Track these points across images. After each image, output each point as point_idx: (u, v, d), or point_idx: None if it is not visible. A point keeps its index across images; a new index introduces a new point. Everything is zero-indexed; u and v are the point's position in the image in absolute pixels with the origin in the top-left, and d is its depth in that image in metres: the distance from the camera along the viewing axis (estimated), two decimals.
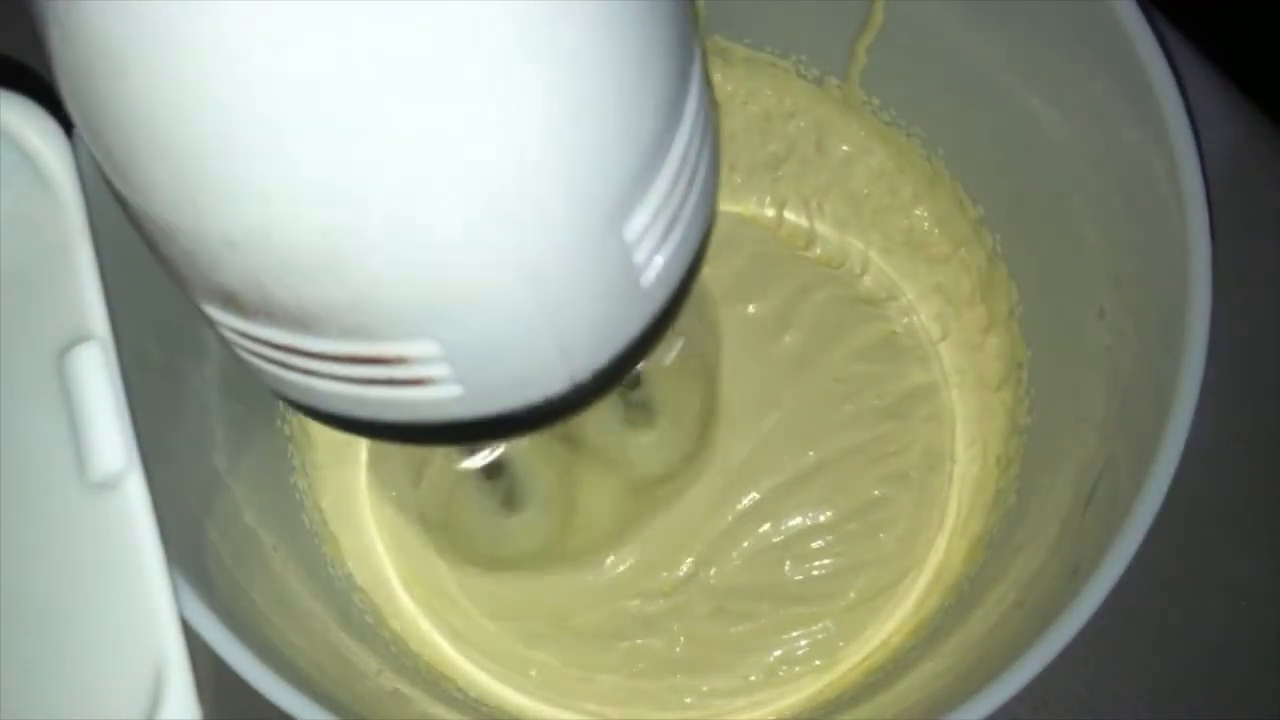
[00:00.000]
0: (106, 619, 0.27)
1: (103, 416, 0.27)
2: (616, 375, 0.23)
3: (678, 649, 0.38)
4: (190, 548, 0.29)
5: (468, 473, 0.34)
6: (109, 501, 0.27)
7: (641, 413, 0.35)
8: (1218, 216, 0.29)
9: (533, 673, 0.38)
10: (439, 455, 0.37)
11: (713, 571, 0.39)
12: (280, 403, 0.39)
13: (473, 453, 0.31)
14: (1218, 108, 0.40)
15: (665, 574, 0.39)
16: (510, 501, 0.36)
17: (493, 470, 0.31)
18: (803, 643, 0.38)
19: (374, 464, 0.40)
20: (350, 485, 0.40)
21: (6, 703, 0.27)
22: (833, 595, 0.39)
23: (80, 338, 0.27)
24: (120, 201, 0.21)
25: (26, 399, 0.28)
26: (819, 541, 0.39)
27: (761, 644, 0.38)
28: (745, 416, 0.40)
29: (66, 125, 0.29)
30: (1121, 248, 0.33)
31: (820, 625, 0.38)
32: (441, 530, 0.38)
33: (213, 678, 0.27)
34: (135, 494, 0.27)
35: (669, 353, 0.33)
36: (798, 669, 0.38)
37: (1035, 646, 0.27)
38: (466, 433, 0.23)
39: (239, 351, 0.23)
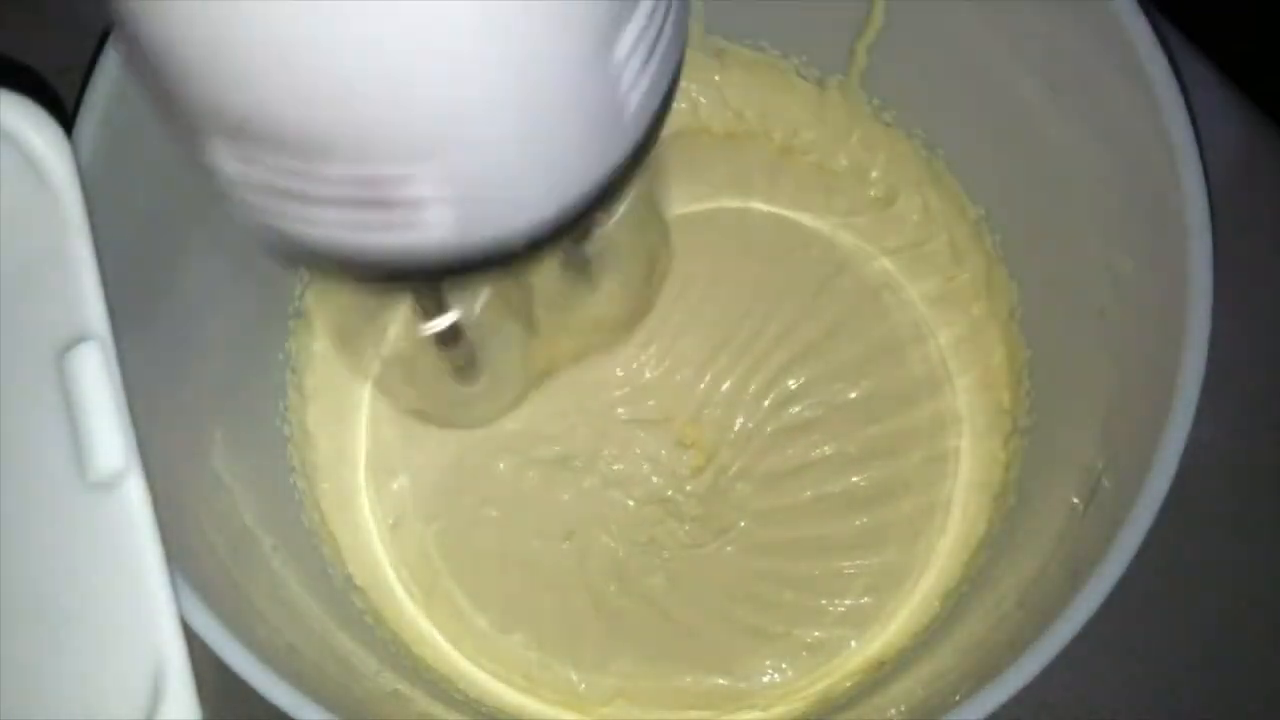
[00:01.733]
0: (106, 619, 0.27)
1: (103, 416, 0.27)
2: (597, 206, 0.23)
3: (678, 651, 0.38)
4: (190, 548, 0.29)
5: (427, 341, 0.35)
6: (109, 501, 0.27)
7: (585, 274, 0.36)
8: (1218, 217, 0.29)
9: (532, 672, 0.38)
10: (401, 323, 0.38)
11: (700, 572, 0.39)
12: (279, 403, 0.39)
13: (431, 317, 0.32)
14: (1219, 108, 0.40)
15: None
16: (465, 371, 0.36)
17: (448, 338, 0.32)
18: (804, 643, 0.38)
19: (373, 464, 0.40)
20: (350, 485, 0.40)
21: (6, 703, 0.27)
22: (833, 596, 0.39)
23: (80, 338, 0.27)
24: (132, 37, 0.21)
25: (26, 399, 0.28)
26: (819, 543, 0.39)
27: (762, 645, 0.38)
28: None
29: (66, 125, 0.29)
30: (1122, 248, 0.33)
31: (821, 626, 0.38)
32: (403, 389, 0.39)
33: (213, 678, 0.27)
34: (135, 494, 0.27)
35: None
36: (799, 669, 0.38)
37: (1035, 647, 0.27)
38: (456, 265, 0.23)
39: (238, 196, 0.23)
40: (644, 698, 0.38)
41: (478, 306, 0.34)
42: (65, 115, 0.29)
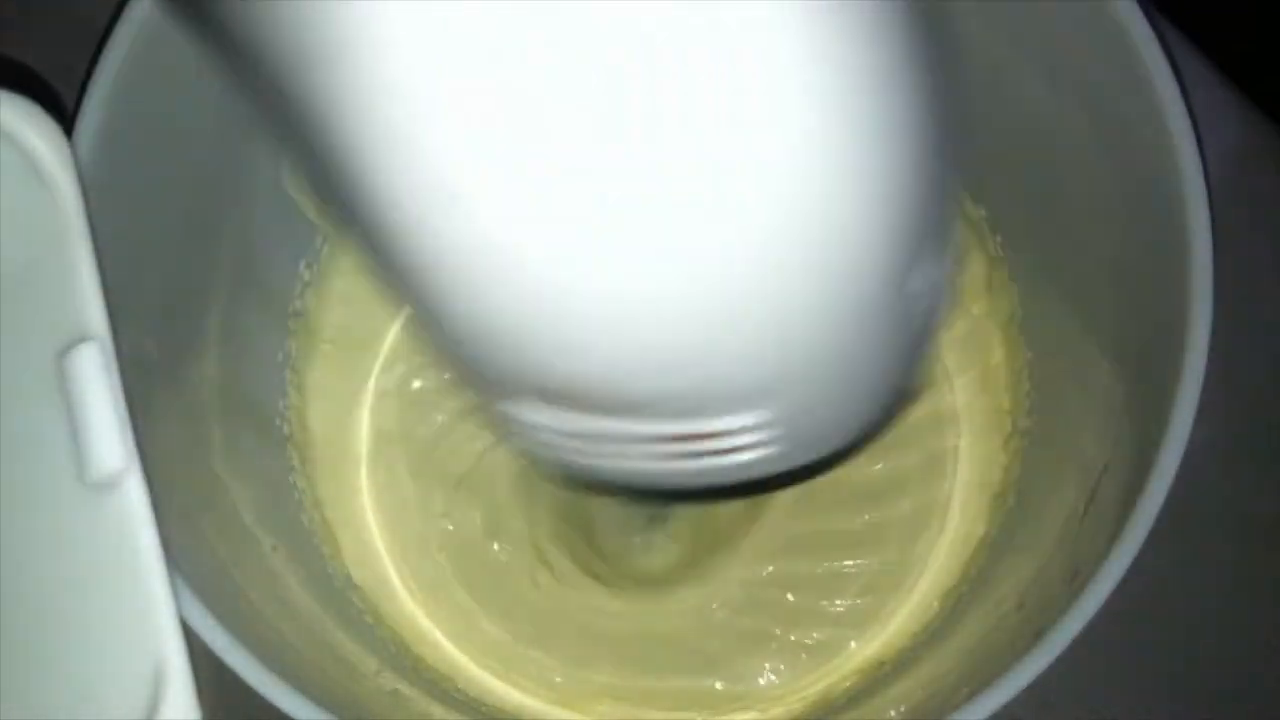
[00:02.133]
0: (106, 619, 0.27)
1: (102, 417, 0.27)
2: (888, 425, 0.25)
3: (678, 650, 0.38)
4: (189, 548, 0.29)
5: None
6: (108, 502, 0.27)
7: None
8: (1218, 217, 0.29)
9: (532, 672, 0.38)
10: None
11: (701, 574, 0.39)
12: (279, 402, 0.39)
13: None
14: (1219, 108, 0.40)
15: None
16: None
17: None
18: (804, 644, 0.38)
19: (373, 464, 0.40)
20: (350, 485, 0.40)
21: (6, 703, 0.27)
22: (832, 597, 0.39)
23: (80, 338, 0.27)
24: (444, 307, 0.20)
25: (26, 399, 0.28)
26: (818, 544, 0.39)
27: (762, 646, 0.38)
28: None
29: (66, 125, 0.29)
30: (1123, 249, 0.33)
31: (820, 627, 0.38)
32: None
33: (212, 678, 0.27)
34: (134, 494, 0.27)
35: None
36: (799, 670, 0.38)
37: (1036, 648, 0.27)
38: (769, 484, 0.23)
39: (533, 442, 0.23)
40: (644, 698, 0.38)
41: None
42: (65, 115, 0.29)
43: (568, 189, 0.17)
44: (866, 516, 0.39)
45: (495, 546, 0.39)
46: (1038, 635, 0.27)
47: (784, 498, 0.39)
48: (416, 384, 0.41)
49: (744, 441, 0.21)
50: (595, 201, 0.17)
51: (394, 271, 0.20)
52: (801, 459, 0.23)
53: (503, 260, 0.18)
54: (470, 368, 0.22)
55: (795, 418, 0.21)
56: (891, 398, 0.24)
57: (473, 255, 0.18)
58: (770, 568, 0.39)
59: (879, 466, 0.40)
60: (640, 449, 0.21)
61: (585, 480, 0.23)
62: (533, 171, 0.17)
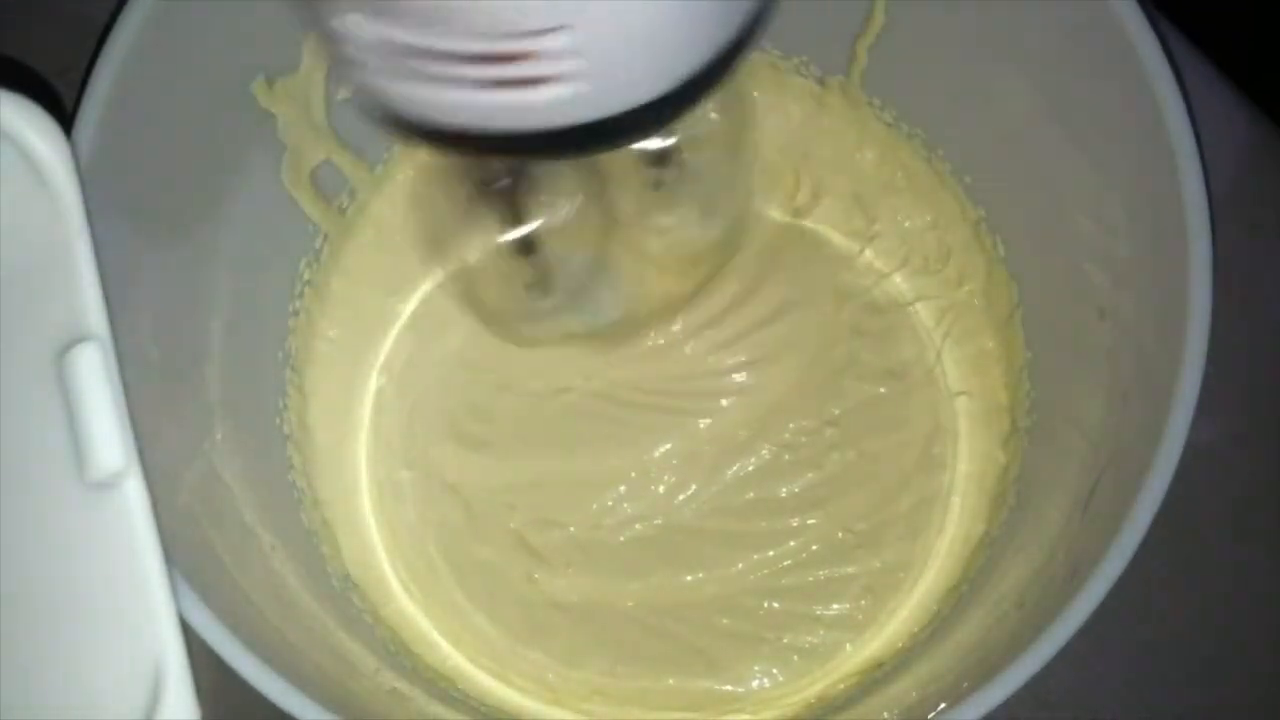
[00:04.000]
0: (106, 619, 0.27)
1: (102, 417, 0.27)
2: (715, 79, 0.23)
3: (677, 650, 0.38)
4: (189, 547, 0.29)
5: (500, 250, 0.35)
6: (108, 501, 0.27)
7: (668, 195, 0.36)
8: (1218, 217, 0.29)
9: (530, 672, 0.38)
10: (475, 232, 0.38)
11: (703, 575, 0.39)
12: (279, 402, 0.39)
13: (512, 228, 0.32)
14: (1219, 109, 0.40)
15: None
16: (538, 287, 0.36)
17: (525, 248, 0.32)
18: (804, 643, 0.38)
19: (373, 464, 0.40)
20: (349, 484, 0.40)
21: (6, 702, 0.27)
22: (833, 596, 0.39)
23: (80, 338, 0.27)
24: None
25: (26, 399, 0.28)
26: (820, 545, 0.39)
27: (762, 646, 0.38)
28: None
29: (66, 125, 0.29)
30: (1122, 249, 0.33)
31: (821, 626, 0.38)
32: (469, 297, 0.38)
33: (212, 677, 0.27)
34: (134, 494, 0.27)
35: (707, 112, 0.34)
36: (799, 669, 0.38)
37: (1034, 646, 0.27)
38: (578, 137, 0.23)
39: (360, 69, 0.23)
40: (643, 698, 0.38)
41: (558, 218, 0.34)
42: (65, 115, 0.29)
43: None
44: (868, 516, 0.39)
45: (489, 545, 0.39)
46: (1037, 634, 0.27)
47: (784, 500, 0.39)
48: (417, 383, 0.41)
49: (550, 70, 0.21)
50: None
51: None
52: (618, 101, 0.22)
53: None
54: None
55: (599, 42, 0.21)
56: (717, 37, 0.22)
57: None
58: (773, 570, 0.39)
59: (879, 466, 0.40)
60: (448, 69, 0.21)
61: (409, 128, 0.23)
62: None
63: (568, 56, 0.21)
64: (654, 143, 0.32)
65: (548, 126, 0.23)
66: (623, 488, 0.40)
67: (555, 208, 0.33)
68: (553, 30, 0.21)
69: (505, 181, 0.31)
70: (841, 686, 0.37)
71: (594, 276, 0.37)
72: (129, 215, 0.30)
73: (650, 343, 0.41)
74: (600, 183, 0.33)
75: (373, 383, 0.41)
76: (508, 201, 0.30)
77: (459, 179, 0.32)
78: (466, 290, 0.37)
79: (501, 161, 0.30)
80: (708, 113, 0.34)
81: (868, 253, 0.42)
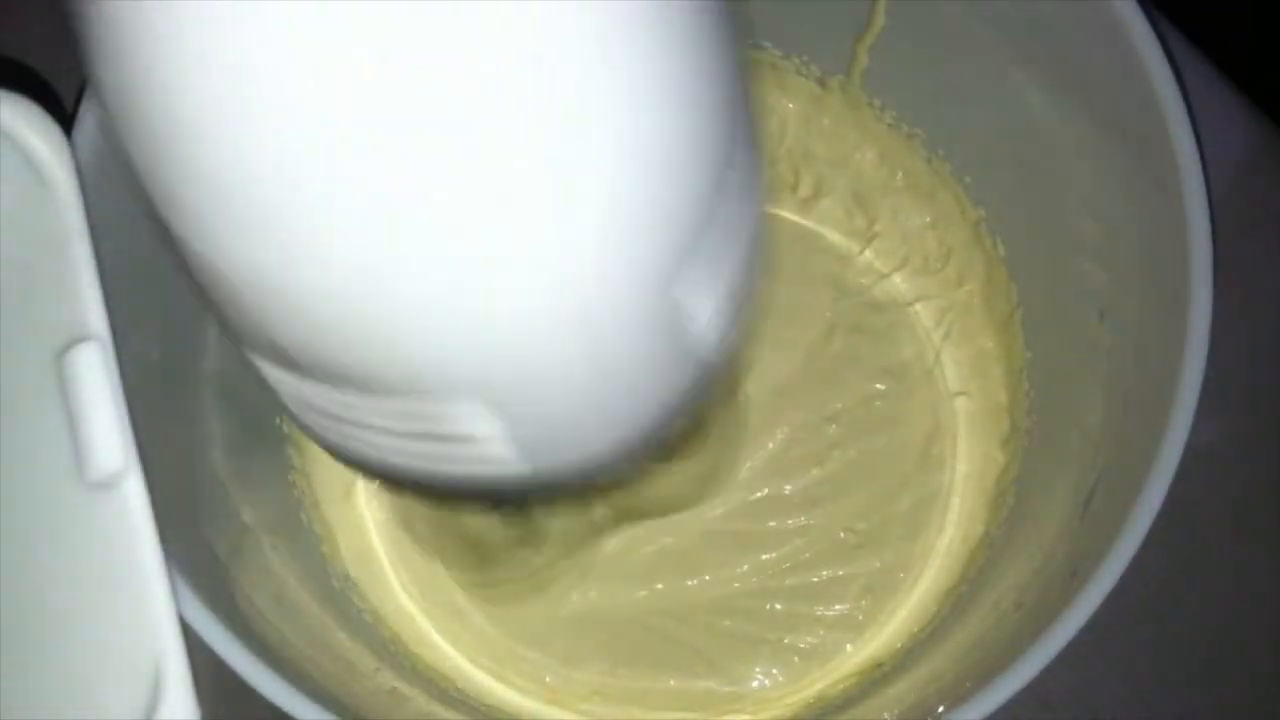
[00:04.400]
0: (105, 619, 0.27)
1: (102, 416, 0.27)
2: (667, 439, 0.23)
3: (677, 650, 0.38)
4: (189, 547, 0.29)
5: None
6: (108, 501, 0.27)
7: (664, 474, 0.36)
8: (1218, 216, 0.29)
9: (530, 672, 0.38)
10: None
11: (708, 578, 0.39)
12: (280, 402, 0.39)
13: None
14: (1220, 109, 0.40)
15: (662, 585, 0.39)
16: (526, 539, 0.36)
17: (513, 511, 0.31)
18: (803, 644, 0.38)
19: None
20: (349, 484, 0.40)
21: (6, 703, 0.27)
22: (833, 597, 0.39)
23: (80, 338, 0.27)
24: (178, 247, 0.21)
25: (26, 399, 0.28)
26: (822, 544, 0.39)
27: (762, 646, 0.38)
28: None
29: (66, 125, 0.29)
30: (1122, 249, 0.33)
31: (820, 627, 0.38)
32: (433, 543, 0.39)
33: (211, 677, 0.27)
34: (134, 494, 0.27)
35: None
36: (798, 670, 0.38)
37: (1034, 647, 0.27)
38: (518, 492, 0.23)
39: (293, 409, 0.23)
40: (643, 698, 0.38)
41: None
42: (65, 115, 0.29)
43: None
44: (868, 517, 0.39)
45: (484, 545, 0.39)
46: (1037, 635, 0.27)
47: (785, 502, 0.39)
48: None
49: (471, 432, 0.20)
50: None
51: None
52: (548, 466, 0.22)
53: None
54: (219, 315, 0.22)
55: (520, 416, 0.20)
56: (654, 418, 0.22)
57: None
58: (773, 571, 0.39)
59: (878, 466, 0.40)
60: (372, 431, 0.21)
61: (365, 471, 0.23)
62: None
63: (482, 420, 0.20)
64: None
65: (489, 477, 0.22)
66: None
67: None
68: (461, 399, 0.20)
69: None
70: (841, 687, 0.37)
71: (586, 540, 0.37)
72: (129, 215, 0.30)
73: None
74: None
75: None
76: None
77: None
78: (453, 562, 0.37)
79: None
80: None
81: (867, 252, 0.42)
